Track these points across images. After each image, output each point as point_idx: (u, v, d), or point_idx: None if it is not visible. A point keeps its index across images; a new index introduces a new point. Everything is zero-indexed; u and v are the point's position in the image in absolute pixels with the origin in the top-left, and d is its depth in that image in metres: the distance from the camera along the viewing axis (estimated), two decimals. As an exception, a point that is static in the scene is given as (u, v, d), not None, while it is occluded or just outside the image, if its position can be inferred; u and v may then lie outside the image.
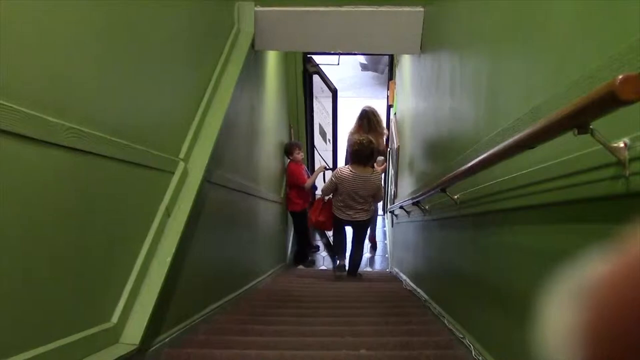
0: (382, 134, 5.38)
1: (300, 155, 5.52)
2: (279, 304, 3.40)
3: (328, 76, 5.77)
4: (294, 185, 5.53)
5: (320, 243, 6.46)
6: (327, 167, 5.69)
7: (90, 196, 1.44)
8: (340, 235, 4.79)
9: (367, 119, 5.20)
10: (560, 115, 0.92)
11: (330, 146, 6.24)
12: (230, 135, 2.86)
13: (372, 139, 4.24)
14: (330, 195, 4.55)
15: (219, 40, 2.88)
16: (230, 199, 3.05)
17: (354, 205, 4.33)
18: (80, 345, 1.38)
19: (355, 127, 5.27)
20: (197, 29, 2.45)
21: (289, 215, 5.97)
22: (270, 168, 4.85)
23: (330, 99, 6.01)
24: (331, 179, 4.37)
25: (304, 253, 6.14)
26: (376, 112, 5.31)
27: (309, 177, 5.64)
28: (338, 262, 4.88)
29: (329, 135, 6.32)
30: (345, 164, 4.78)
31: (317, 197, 5.18)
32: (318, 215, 4.74)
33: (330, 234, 5.79)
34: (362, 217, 4.40)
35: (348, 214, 4.39)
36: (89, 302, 1.47)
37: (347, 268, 4.89)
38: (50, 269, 1.26)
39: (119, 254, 1.65)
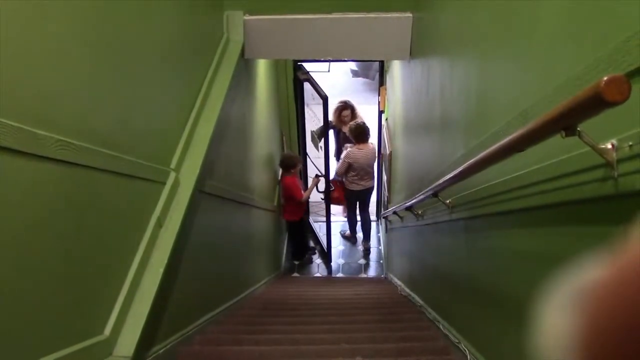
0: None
1: (297, 168, 5.54)
2: (273, 312, 3.38)
3: (319, 83, 5.74)
4: (290, 199, 5.46)
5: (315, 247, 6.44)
6: (320, 175, 5.70)
7: (81, 208, 1.42)
8: (352, 212, 6.07)
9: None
10: (547, 118, 0.92)
11: (322, 153, 6.21)
12: (221, 144, 2.85)
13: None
14: (342, 179, 5.63)
15: (208, 49, 2.88)
16: (223, 208, 3.04)
17: (364, 175, 5.49)
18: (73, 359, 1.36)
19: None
20: (186, 39, 2.45)
21: (285, 223, 5.95)
22: (263, 176, 4.84)
23: (321, 107, 5.96)
24: (344, 160, 5.41)
25: (301, 251, 6.09)
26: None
27: (303, 190, 5.65)
28: (350, 233, 6.33)
29: (321, 143, 6.28)
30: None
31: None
32: (334, 192, 5.72)
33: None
34: (370, 183, 5.65)
35: (361, 184, 5.55)
36: (81, 314, 1.45)
37: (357, 241, 6.31)
38: (40, 282, 1.24)
39: (111, 266, 1.63)
